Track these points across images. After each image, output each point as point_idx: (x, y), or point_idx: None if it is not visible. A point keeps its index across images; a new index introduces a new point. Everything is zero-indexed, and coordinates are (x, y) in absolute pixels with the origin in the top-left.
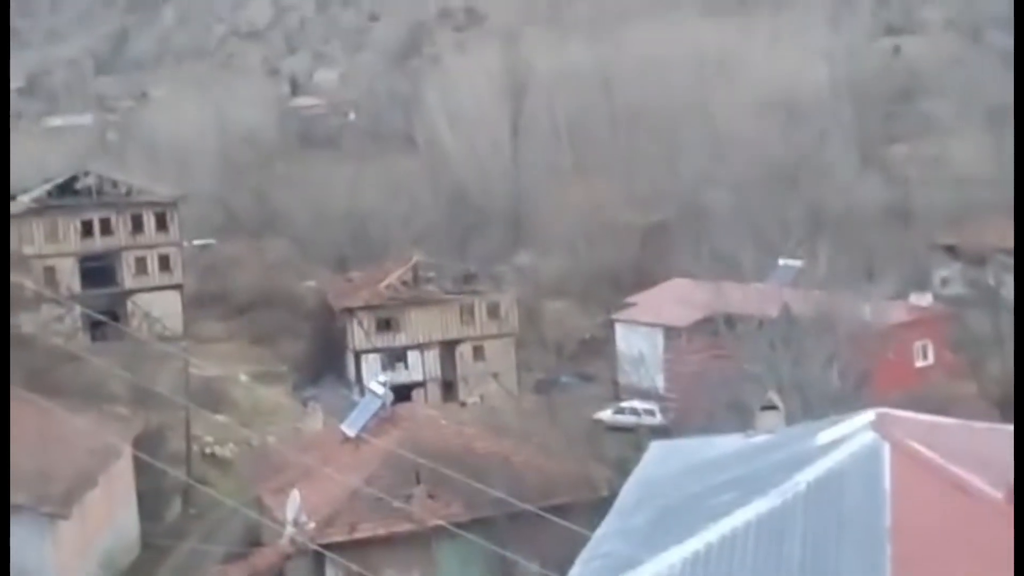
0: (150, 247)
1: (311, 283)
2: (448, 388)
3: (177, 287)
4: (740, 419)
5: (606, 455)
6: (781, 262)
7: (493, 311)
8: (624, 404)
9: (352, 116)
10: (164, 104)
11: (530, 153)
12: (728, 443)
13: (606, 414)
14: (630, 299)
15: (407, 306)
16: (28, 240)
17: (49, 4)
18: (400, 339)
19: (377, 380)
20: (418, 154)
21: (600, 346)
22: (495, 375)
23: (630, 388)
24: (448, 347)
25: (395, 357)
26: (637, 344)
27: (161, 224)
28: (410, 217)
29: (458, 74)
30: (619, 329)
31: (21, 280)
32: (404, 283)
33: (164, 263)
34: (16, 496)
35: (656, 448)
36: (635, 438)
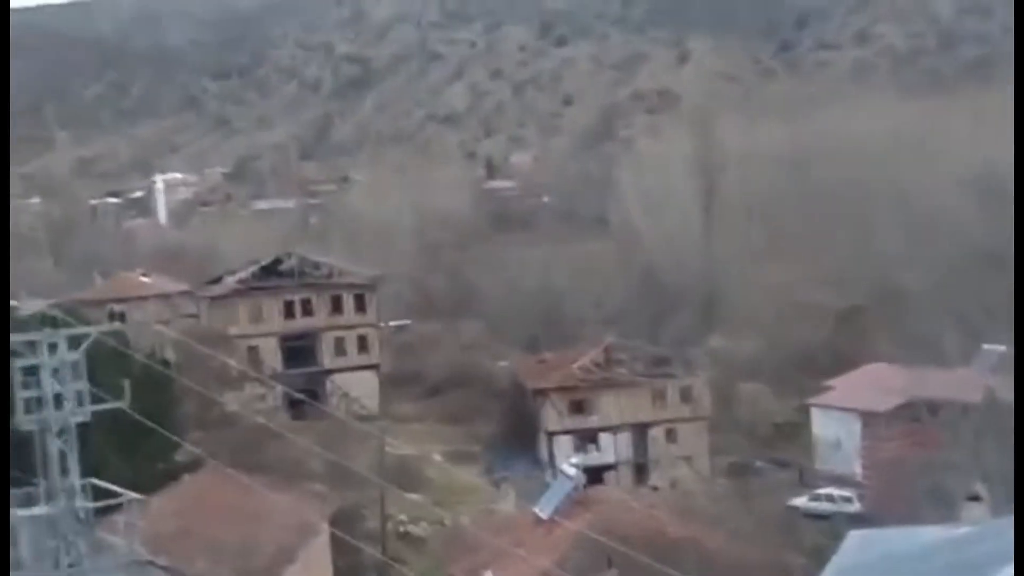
0: (349, 328)
1: (504, 364)
2: (640, 471)
3: (374, 367)
4: (943, 509)
5: (801, 543)
6: (985, 347)
7: (686, 394)
8: (820, 491)
9: (546, 198)
10: (365, 188)
11: (723, 234)
12: (930, 534)
13: (801, 501)
14: (827, 383)
15: (599, 388)
16: (233, 320)
17: (258, 92)
18: (592, 421)
19: (569, 462)
20: (611, 236)
21: (795, 431)
22: (687, 459)
23: (826, 474)
24: (640, 430)
25: (587, 439)
26: (834, 429)
27: (360, 305)
28: (603, 298)
29: (651, 156)
30: (815, 414)
31: (226, 360)
32: (597, 365)
33: (362, 343)
34: (220, 570)
35: (855, 537)
36: (832, 526)
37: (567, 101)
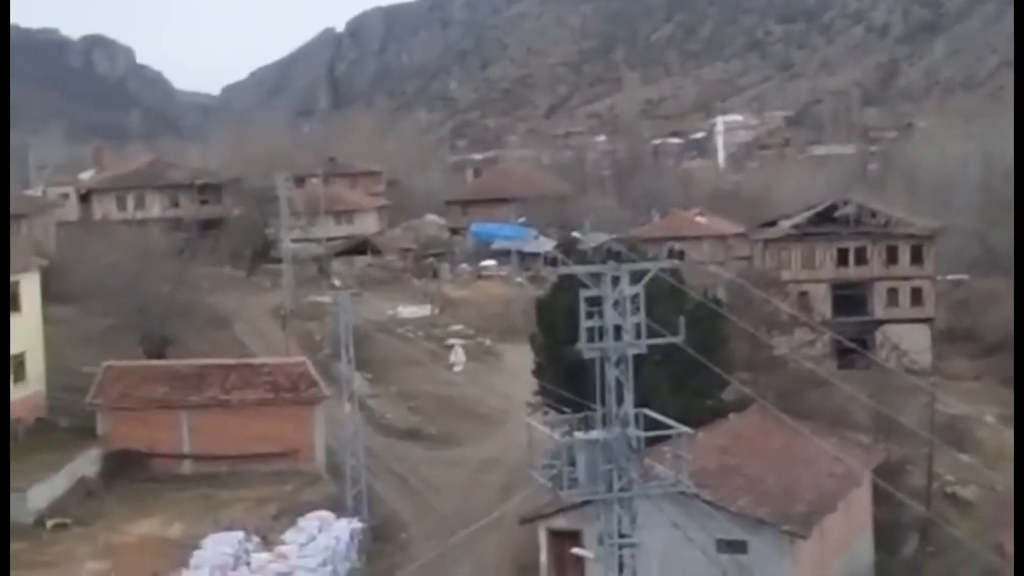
0: (903, 279)
1: None
2: None
3: (927, 321)
4: None
5: None
6: None
7: None
8: None
9: None
10: (928, 136)
11: None
12: None
13: None
14: None
15: None
16: (786, 264)
17: (824, 36)
18: None
19: None
20: None
21: None
22: None
23: None
24: None
25: None
26: None
27: (916, 257)
28: None
29: None
30: None
31: (778, 303)
32: None
33: (916, 296)
34: (759, 511)
35: None
36: None
37: None
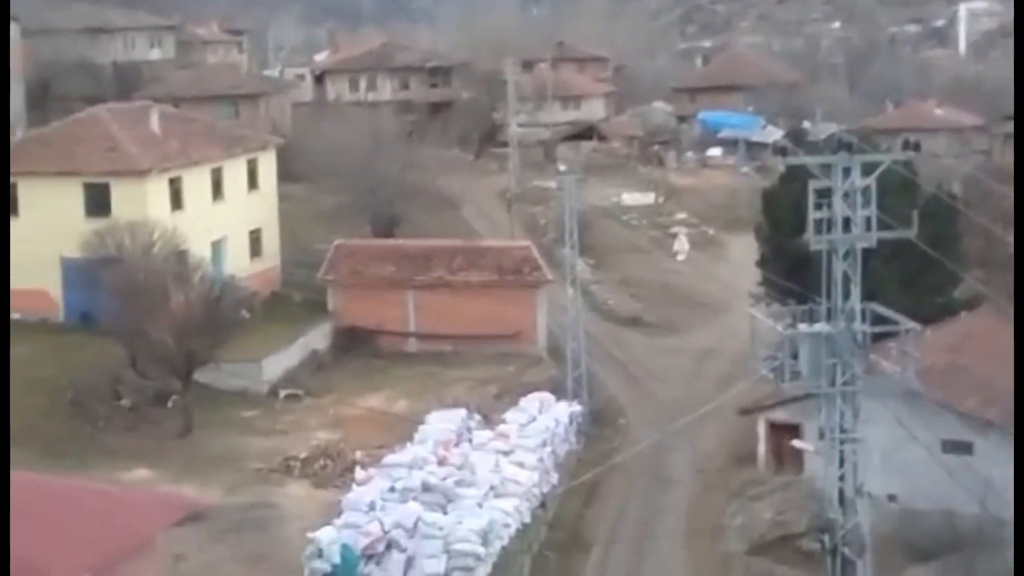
0: None
1: None
2: None
3: None
4: None
5: None
6: None
7: None
8: None
9: None
10: None
11: None
12: None
13: None
14: None
15: None
16: None
17: None
18: None
19: None
20: None
21: None
22: None
23: None
24: None
25: None
26: None
27: None
28: None
29: None
30: None
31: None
32: None
33: None
34: (988, 412)
35: None
36: None
37: None
